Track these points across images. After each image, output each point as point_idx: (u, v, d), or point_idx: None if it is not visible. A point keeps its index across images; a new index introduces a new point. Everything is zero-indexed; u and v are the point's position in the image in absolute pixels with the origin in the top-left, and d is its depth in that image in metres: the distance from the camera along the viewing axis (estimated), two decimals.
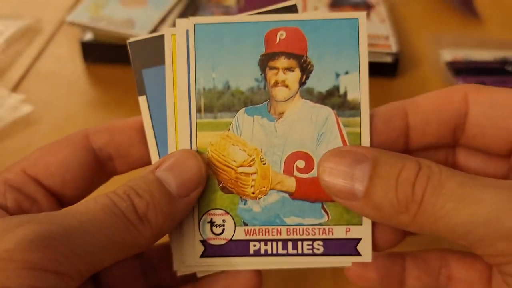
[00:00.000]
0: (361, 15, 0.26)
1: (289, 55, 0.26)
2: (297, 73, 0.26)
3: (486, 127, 0.25)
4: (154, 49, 0.26)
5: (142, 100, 0.26)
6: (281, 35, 0.26)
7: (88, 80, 0.59)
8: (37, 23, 0.66)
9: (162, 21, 0.59)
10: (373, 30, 0.59)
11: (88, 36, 0.59)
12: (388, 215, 0.23)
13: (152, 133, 0.26)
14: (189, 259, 0.26)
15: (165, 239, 0.26)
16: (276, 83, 0.26)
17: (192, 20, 0.26)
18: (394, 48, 0.57)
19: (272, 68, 0.26)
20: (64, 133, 0.51)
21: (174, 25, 0.27)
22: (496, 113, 0.25)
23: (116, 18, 0.59)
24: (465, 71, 0.57)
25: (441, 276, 0.27)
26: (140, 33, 0.57)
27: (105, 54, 0.59)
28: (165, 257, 0.27)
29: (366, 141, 0.25)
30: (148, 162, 0.27)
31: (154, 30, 0.58)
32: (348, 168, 0.23)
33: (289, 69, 0.26)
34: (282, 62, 0.26)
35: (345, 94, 0.26)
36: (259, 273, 0.26)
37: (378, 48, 0.57)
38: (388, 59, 0.57)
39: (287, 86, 0.26)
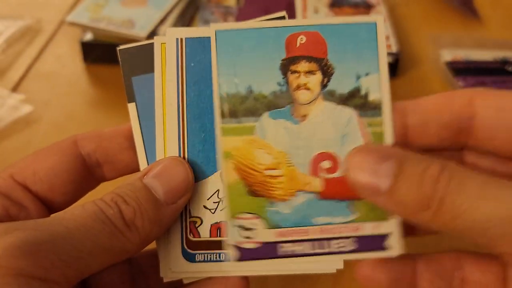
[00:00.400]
0: (378, 18, 0.26)
1: (309, 59, 0.26)
2: (318, 76, 0.26)
3: (496, 131, 0.25)
4: (144, 57, 0.27)
5: (132, 107, 0.27)
6: (301, 39, 0.26)
7: (88, 80, 0.59)
8: (37, 23, 0.66)
9: (162, 21, 0.59)
10: None
11: (88, 36, 0.60)
12: (411, 211, 0.23)
13: (141, 140, 0.27)
14: (175, 266, 0.26)
15: (154, 245, 0.27)
16: (298, 87, 0.26)
17: (212, 27, 0.26)
18: (394, 48, 0.57)
19: (293, 72, 0.26)
20: (64, 132, 0.52)
21: (174, 26, 0.27)
22: (506, 116, 0.25)
23: (116, 18, 0.59)
24: (465, 71, 0.57)
25: (455, 279, 0.27)
26: (140, 33, 0.57)
27: (105, 54, 0.59)
28: (154, 263, 0.27)
29: (389, 140, 0.26)
30: (137, 169, 0.27)
31: (154, 30, 0.58)
32: (374, 165, 0.24)
33: (311, 72, 0.26)
34: (303, 65, 0.26)
35: (366, 95, 0.26)
36: (246, 279, 0.27)
37: None
38: (388, 59, 0.57)
39: (309, 89, 0.26)
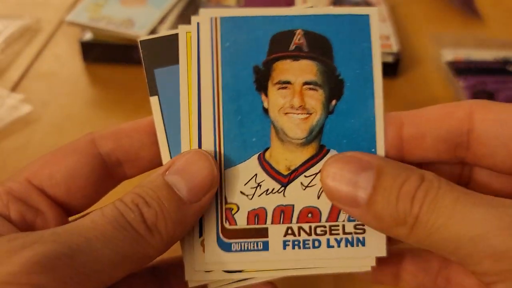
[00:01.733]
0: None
1: None
2: None
3: (495, 146, 0.24)
4: (166, 48, 0.26)
5: (154, 100, 0.26)
6: None
7: (87, 79, 0.59)
8: (36, 23, 0.66)
9: (162, 20, 0.59)
10: None
11: (88, 36, 0.59)
12: (388, 226, 0.23)
13: (163, 134, 0.25)
14: (210, 256, 0.25)
15: (178, 252, 0.26)
16: None
17: None
18: (395, 48, 0.57)
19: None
20: (63, 132, 0.51)
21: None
22: (506, 132, 0.24)
23: (116, 18, 0.59)
24: (466, 71, 0.57)
25: (440, 277, 0.27)
26: (139, 32, 0.57)
27: (105, 53, 0.59)
28: (179, 272, 0.26)
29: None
30: (159, 164, 0.26)
31: (154, 29, 0.58)
32: (353, 175, 0.23)
33: None
34: None
35: None
36: (273, 285, 0.26)
37: None
38: (389, 59, 0.57)
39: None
